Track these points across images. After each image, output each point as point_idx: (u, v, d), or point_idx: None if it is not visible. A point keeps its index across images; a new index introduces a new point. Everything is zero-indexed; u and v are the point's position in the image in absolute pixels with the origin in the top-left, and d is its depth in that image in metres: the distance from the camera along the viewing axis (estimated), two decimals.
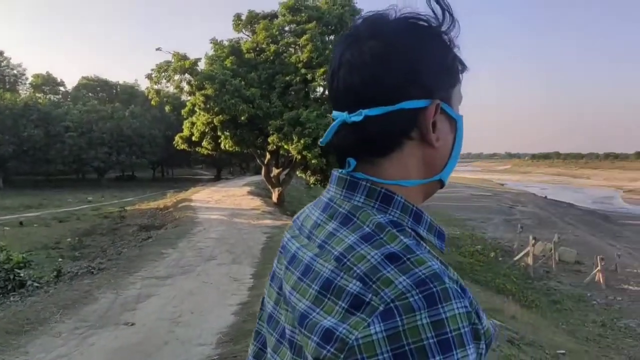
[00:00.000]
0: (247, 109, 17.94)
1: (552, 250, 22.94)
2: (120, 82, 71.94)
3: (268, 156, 20.72)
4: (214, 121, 18.64)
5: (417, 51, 0.81)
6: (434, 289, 0.66)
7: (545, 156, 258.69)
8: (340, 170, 0.87)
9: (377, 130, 0.79)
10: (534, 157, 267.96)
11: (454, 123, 0.87)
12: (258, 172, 32.19)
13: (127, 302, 8.00)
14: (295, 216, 0.99)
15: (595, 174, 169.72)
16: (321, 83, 18.70)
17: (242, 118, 18.08)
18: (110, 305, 7.90)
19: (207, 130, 19.60)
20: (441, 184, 0.90)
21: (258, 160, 22.69)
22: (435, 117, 0.81)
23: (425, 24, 0.84)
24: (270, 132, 17.78)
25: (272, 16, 20.22)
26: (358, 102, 0.80)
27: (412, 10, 0.85)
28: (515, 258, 21.98)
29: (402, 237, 0.74)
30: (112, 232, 20.44)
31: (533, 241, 21.46)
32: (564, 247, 26.27)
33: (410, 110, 0.79)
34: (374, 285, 0.68)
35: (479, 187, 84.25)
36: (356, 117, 0.79)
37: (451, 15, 0.84)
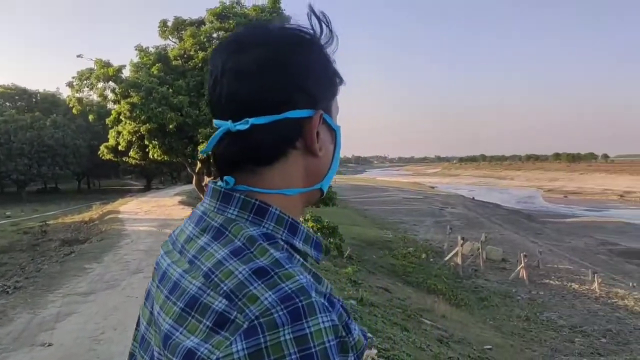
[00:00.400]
0: (175, 117, 17.51)
1: (480, 250, 23.88)
2: (41, 90, 68.38)
3: (199, 165, 20.31)
4: (141, 130, 18.06)
5: (303, 61, 0.81)
6: (299, 304, 0.65)
7: (472, 159, 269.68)
8: (215, 182, 0.84)
9: (262, 139, 0.77)
10: (461, 160, 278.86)
11: (334, 133, 0.87)
12: (190, 181, 31.52)
13: (45, 322, 7.56)
14: (173, 230, 0.95)
15: (518, 175, 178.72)
16: None
17: (171, 126, 17.63)
18: (26, 325, 7.43)
19: (134, 139, 18.96)
20: (321, 192, 0.89)
21: (189, 169, 22.20)
22: (318, 127, 0.81)
23: (309, 36, 0.84)
24: (200, 140, 17.44)
25: (200, 23, 19.92)
26: (243, 111, 0.78)
27: (294, 22, 0.85)
28: (446, 258, 22.69)
29: (272, 251, 0.72)
30: (32, 248, 19.33)
31: (462, 241, 22.27)
32: (491, 246, 27.44)
33: (296, 120, 0.79)
34: (239, 302, 0.66)
35: (411, 190, 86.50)
36: (242, 126, 0.77)
37: (331, 30, 0.86)
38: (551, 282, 21.12)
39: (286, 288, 0.66)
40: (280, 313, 0.63)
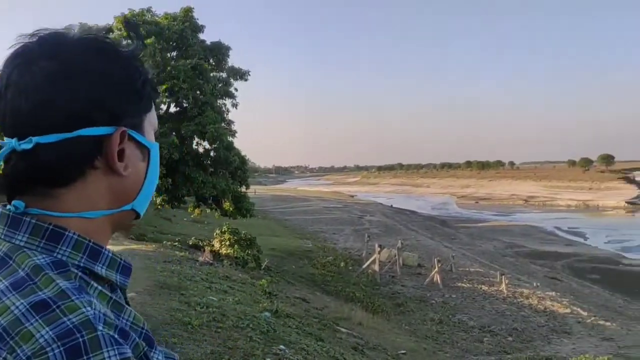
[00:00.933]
0: None
1: (397, 256, 24.50)
2: None
3: None
4: None
5: (100, 74, 0.73)
6: (80, 339, 0.59)
7: (390, 167, 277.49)
8: (5, 205, 0.75)
9: (52, 159, 0.70)
10: (380, 168, 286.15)
11: (147, 151, 0.81)
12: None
13: None
14: None
15: (434, 183, 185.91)
16: (164, 100, 18.10)
17: None
18: None
19: None
20: (136, 214, 0.82)
21: None
22: (122, 144, 0.74)
23: (110, 44, 0.77)
24: None
25: (107, 30, 19.02)
26: (27, 128, 0.70)
27: (96, 32, 0.78)
28: (364, 266, 23.08)
29: (59, 281, 0.64)
30: None
31: (379, 249, 22.77)
32: (407, 252, 28.28)
33: (92, 138, 0.72)
34: (11, 342, 0.59)
35: (332, 199, 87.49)
36: (25, 145, 0.69)
37: (141, 40, 0.82)
38: (463, 285, 22.02)
39: (67, 322, 0.60)
40: (57, 351, 0.57)
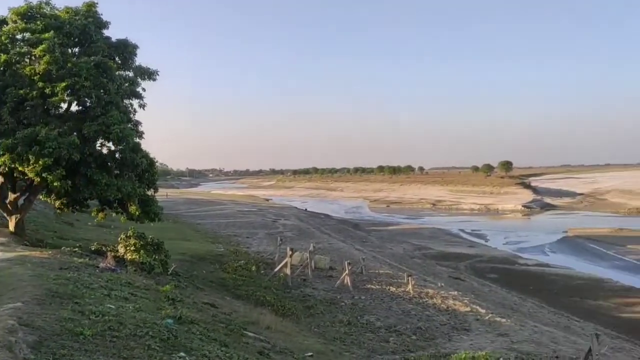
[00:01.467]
0: None
1: (309, 259, 24.67)
2: None
3: (0, 179, 18.03)
4: None
5: None
6: None
7: (305, 171, 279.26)
8: None
9: None
10: (295, 172, 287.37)
11: None
12: None
13: None
14: None
15: (347, 187, 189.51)
16: (64, 98, 17.05)
17: None
18: None
19: None
20: None
21: None
22: None
23: None
24: (0, 152, 15.48)
25: (1, 22, 17.76)
26: None
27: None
28: (275, 269, 23.03)
29: None
30: None
31: (290, 252, 22.82)
32: (319, 255, 28.56)
33: None
34: None
35: (246, 203, 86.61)
36: None
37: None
38: (372, 286, 22.55)
39: None
40: None
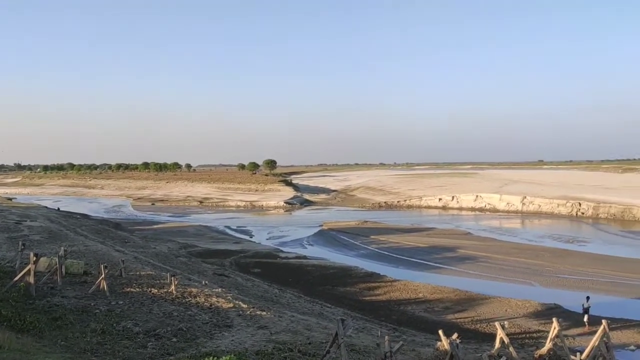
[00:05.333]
0: None
1: (58, 264, 22.13)
2: None
3: None
4: None
5: None
6: None
7: (59, 167, 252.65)
8: None
9: None
10: (46, 168, 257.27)
11: None
12: None
13: None
14: None
15: (109, 184, 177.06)
16: None
17: None
18: None
19: None
20: None
21: None
22: None
23: None
24: None
25: None
26: None
27: None
28: (15, 279, 20.06)
29: None
30: None
31: (34, 258, 20.08)
32: (72, 259, 25.86)
33: None
34: None
35: None
36: None
37: None
38: (132, 289, 21.27)
39: None
40: None
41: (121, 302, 18.70)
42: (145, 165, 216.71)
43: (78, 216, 76.62)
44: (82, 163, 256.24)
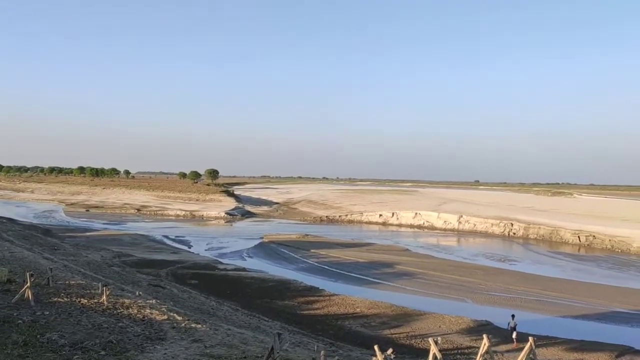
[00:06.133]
0: None
1: None
2: None
3: None
4: None
5: None
6: None
7: None
8: None
9: None
10: None
11: None
12: None
13: None
14: None
15: (39, 188, 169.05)
16: None
17: None
18: None
19: None
20: None
21: None
22: None
23: None
24: None
25: None
26: None
27: None
28: None
29: None
30: None
31: None
32: None
33: None
34: None
35: None
36: None
37: None
38: (60, 299, 20.28)
39: None
40: None
41: (47, 313, 17.76)
42: (81, 169, 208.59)
43: (4, 220, 72.60)
44: (10, 165, 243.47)
